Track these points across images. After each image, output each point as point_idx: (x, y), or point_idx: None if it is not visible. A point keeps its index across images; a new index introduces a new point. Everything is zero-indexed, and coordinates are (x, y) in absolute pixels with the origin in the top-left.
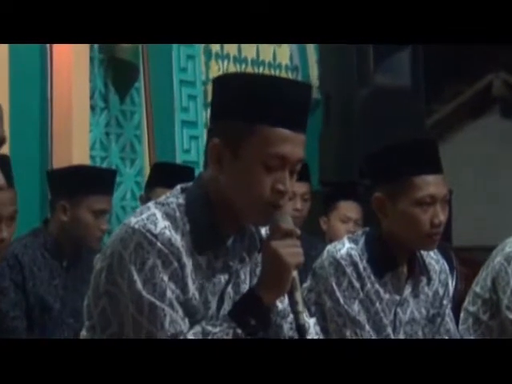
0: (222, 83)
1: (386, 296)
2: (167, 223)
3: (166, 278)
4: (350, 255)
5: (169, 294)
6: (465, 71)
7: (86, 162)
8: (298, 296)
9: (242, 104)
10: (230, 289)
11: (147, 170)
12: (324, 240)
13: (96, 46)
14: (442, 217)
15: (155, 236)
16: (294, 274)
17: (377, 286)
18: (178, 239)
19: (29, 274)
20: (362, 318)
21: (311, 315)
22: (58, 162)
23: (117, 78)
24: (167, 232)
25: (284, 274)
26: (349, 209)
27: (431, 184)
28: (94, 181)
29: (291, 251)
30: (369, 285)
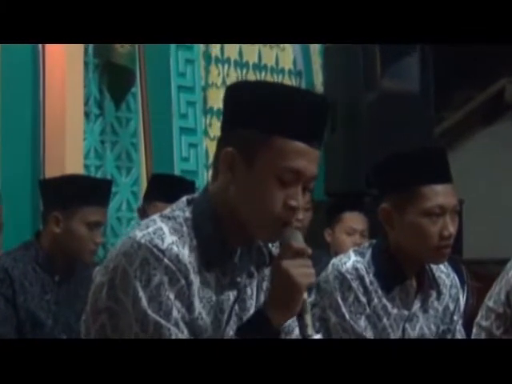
0: (239, 90)
1: (394, 311)
2: (175, 238)
3: (172, 296)
4: (356, 269)
5: (175, 313)
6: (476, 76)
7: (80, 171)
8: (308, 319)
9: (259, 114)
10: (236, 306)
11: (144, 180)
12: (329, 253)
13: (90, 50)
14: (452, 228)
15: (162, 252)
16: (305, 295)
17: (384, 300)
18: (185, 255)
19: (19, 289)
20: (369, 334)
21: (315, 331)
22: (51, 171)
23: (112, 84)
24: (175, 248)
25: (295, 294)
26: (354, 220)
27: (440, 194)
28: (88, 191)
29: (303, 271)
30: (376, 299)
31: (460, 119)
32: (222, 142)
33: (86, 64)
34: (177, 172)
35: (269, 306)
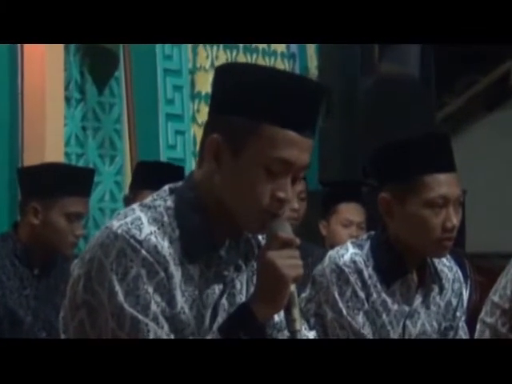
0: (227, 73)
1: (394, 307)
2: (153, 228)
3: (150, 290)
4: (353, 261)
5: (153, 307)
6: (479, 59)
7: (60, 159)
8: (296, 313)
9: (248, 99)
10: (224, 300)
11: (128, 168)
12: (324, 246)
13: None
14: (455, 220)
15: (140, 242)
16: (292, 288)
17: (384, 295)
18: (165, 246)
19: None
20: (367, 331)
21: (310, 328)
22: (30, 159)
23: (94, 67)
24: (153, 238)
25: (281, 287)
26: (351, 211)
27: (443, 184)
28: (69, 181)
29: (290, 263)
30: (375, 294)
31: (462, 105)
32: (208, 128)
33: (66, 46)
34: (163, 160)
35: (254, 300)
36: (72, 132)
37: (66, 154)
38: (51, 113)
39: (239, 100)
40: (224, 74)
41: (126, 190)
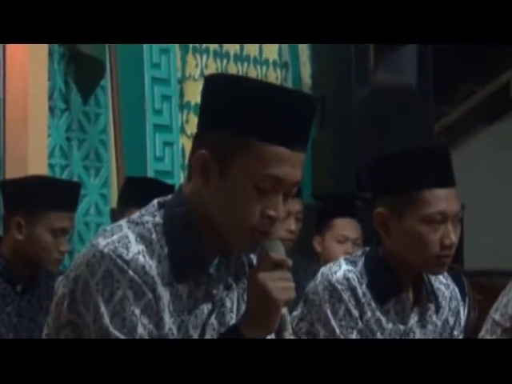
0: (215, 85)
1: (389, 326)
2: (141, 247)
3: (137, 312)
4: (347, 279)
5: (140, 330)
6: (479, 69)
7: (44, 171)
8: (287, 336)
9: (236, 114)
10: (213, 319)
11: (114, 181)
12: (318, 263)
13: None
14: (454, 237)
15: (127, 263)
16: (284, 311)
17: (378, 314)
18: (153, 266)
19: None
20: None
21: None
22: (12, 171)
23: (80, 76)
24: (141, 258)
25: (272, 311)
26: (346, 227)
27: (442, 199)
28: (55, 195)
29: (281, 285)
30: (369, 313)
31: (461, 116)
32: (196, 142)
33: (50, 53)
34: (150, 173)
35: (243, 323)
36: (56, 143)
37: (50, 166)
38: (34, 123)
39: (227, 115)
40: (212, 86)
41: (112, 203)
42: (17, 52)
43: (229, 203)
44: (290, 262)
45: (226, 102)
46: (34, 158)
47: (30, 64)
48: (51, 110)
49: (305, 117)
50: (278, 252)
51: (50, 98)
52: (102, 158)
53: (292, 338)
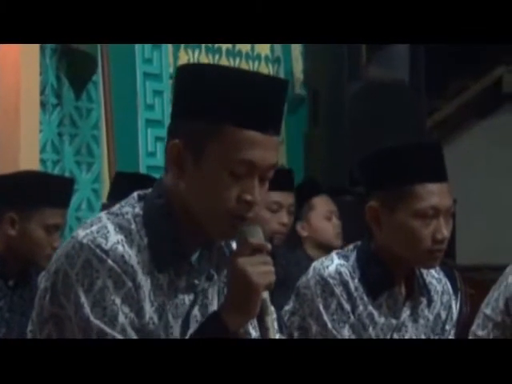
0: (186, 75)
1: (381, 320)
2: (120, 237)
3: (118, 301)
4: (339, 273)
5: (121, 318)
6: (471, 63)
7: (36, 166)
8: (269, 321)
9: (204, 101)
10: (196, 311)
11: (106, 176)
12: (302, 249)
13: None
14: (446, 231)
15: (106, 252)
16: (265, 295)
17: (370, 308)
18: (132, 255)
19: None
20: None
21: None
22: (3, 166)
23: (72, 71)
24: (120, 247)
25: (252, 295)
26: (327, 202)
27: (435, 194)
28: (48, 191)
29: (261, 270)
30: (361, 307)
31: (453, 111)
32: (170, 132)
33: (42, 48)
34: (142, 168)
35: (224, 308)
36: (48, 138)
37: (42, 161)
38: (26, 118)
39: (197, 102)
40: (182, 76)
41: (104, 199)
42: (9, 47)
43: (204, 191)
44: (269, 247)
45: (196, 90)
46: (25, 153)
47: (22, 59)
48: (43, 105)
49: (275, 100)
50: (257, 237)
51: (42, 93)
52: (94, 153)
53: (274, 323)
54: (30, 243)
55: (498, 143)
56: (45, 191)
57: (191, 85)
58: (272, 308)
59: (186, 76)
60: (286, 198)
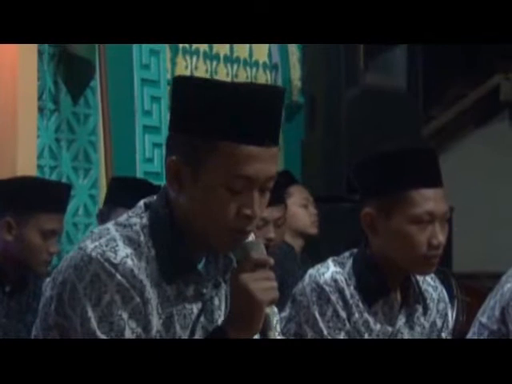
0: (181, 89)
1: (377, 327)
2: (129, 250)
3: (125, 316)
4: (335, 280)
5: (128, 333)
6: (469, 71)
7: (33, 172)
8: (272, 336)
9: (199, 117)
10: (202, 318)
11: (103, 182)
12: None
13: None
14: (442, 237)
15: (115, 266)
16: (268, 310)
17: (366, 315)
18: (141, 269)
19: None
20: None
21: None
22: (1, 171)
23: (69, 76)
24: (129, 262)
25: (255, 312)
26: (303, 191)
27: (430, 199)
28: (45, 197)
29: (263, 286)
30: (357, 314)
31: (451, 119)
32: (168, 147)
33: (40, 53)
34: (140, 174)
35: (228, 324)
36: (45, 144)
37: (39, 167)
38: (24, 123)
39: (192, 118)
40: (178, 89)
41: (101, 205)
42: (6, 52)
43: (204, 207)
44: (271, 261)
45: (190, 105)
46: (22, 158)
47: (20, 64)
48: (40, 110)
49: (272, 111)
50: (260, 252)
51: (40, 98)
52: (91, 159)
53: (277, 337)
54: (27, 248)
55: (495, 151)
56: (42, 196)
57: (185, 100)
58: (275, 309)
59: (181, 90)
60: (272, 213)
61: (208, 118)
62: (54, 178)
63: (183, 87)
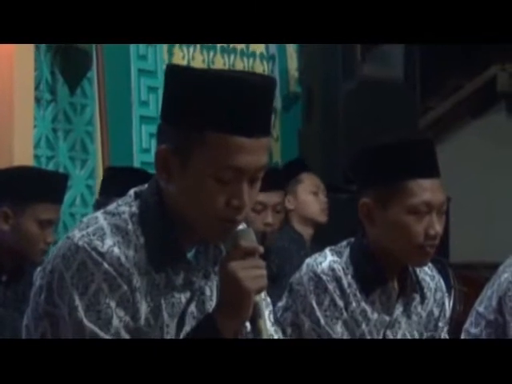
0: (171, 77)
1: (374, 316)
2: (117, 239)
3: (112, 304)
4: (332, 269)
5: (115, 322)
6: (465, 62)
7: (30, 162)
8: (262, 323)
9: (189, 107)
10: (193, 307)
11: (100, 172)
12: (290, 224)
13: None
14: (439, 227)
15: (102, 255)
16: (258, 298)
17: (363, 304)
18: (129, 257)
19: None
20: None
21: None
22: None
23: (66, 66)
24: (116, 250)
25: (243, 300)
26: (315, 179)
27: (427, 189)
28: (42, 187)
29: (252, 274)
30: (354, 303)
31: (447, 110)
32: (159, 136)
33: (37, 44)
34: (137, 164)
35: (217, 312)
36: (42, 134)
37: (36, 157)
38: (20, 114)
39: (181, 108)
40: (168, 79)
41: (97, 195)
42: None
43: (193, 197)
44: (261, 250)
45: (180, 95)
46: (19, 148)
47: (17, 54)
48: (37, 100)
49: (262, 101)
50: (249, 240)
51: (36, 88)
52: (88, 149)
53: (268, 324)
54: (24, 238)
55: (492, 142)
56: (39, 186)
57: (176, 89)
58: (268, 300)
59: (171, 79)
60: (271, 198)
61: (198, 108)
62: (50, 168)
63: (174, 76)
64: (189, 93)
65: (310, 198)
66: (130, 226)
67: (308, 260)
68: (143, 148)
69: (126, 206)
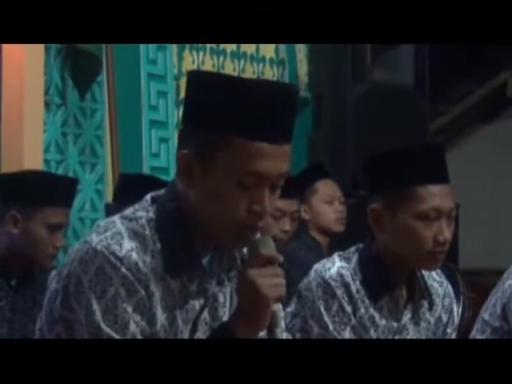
0: (195, 82)
1: (382, 322)
2: (134, 244)
3: (129, 309)
4: (340, 275)
5: (132, 327)
6: (476, 68)
7: (39, 166)
8: (279, 333)
9: (213, 112)
10: (205, 314)
11: (109, 177)
12: (307, 231)
13: None
14: (448, 234)
15: (120, 260)
16: (276, 307)
17: (371, 310)
18: (146, 262)
19: None
20: None
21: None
22: (7, 165)
23: (76, 71)
24: (134, 255)
25: (262, 308)
26: (330, 187)
27: (437, 195)
28: (52, 191)
29: (271, 282)
30: (362, 309)
31: (457, 115)
32: (180, 140)
33: (47, 48)
34: (146, 169)
35: (234, 320)
36: (52, 138)
37: (46, 161)
38: (30, 118)
39: (205, 113)
40: (192, 84)
41: (108, 199)
42: (13, 47)
43: (214, 202)
44: (280, 258)
45: (204, 100)
46: (29, 153)
47: (27, 59)
48: (47, 105)
49: (285, 108)
50: (269, 248)
51: (46, 92)
52: (98, 153)
53: (284, 334)
54: (33, 242)
55: (502, 147)
56: (48, 190)
57: (200, 94)
58: (282, 314)
59: (195, 84)
60: (290, 206)
61: (221, 113)
62: (60, 172)
63: (197, 81)
64: (214, 98)
65: (323, 207)
66: (147, 232)
67: (316, 266)
68: (153, 152)
69: (143, 211)
